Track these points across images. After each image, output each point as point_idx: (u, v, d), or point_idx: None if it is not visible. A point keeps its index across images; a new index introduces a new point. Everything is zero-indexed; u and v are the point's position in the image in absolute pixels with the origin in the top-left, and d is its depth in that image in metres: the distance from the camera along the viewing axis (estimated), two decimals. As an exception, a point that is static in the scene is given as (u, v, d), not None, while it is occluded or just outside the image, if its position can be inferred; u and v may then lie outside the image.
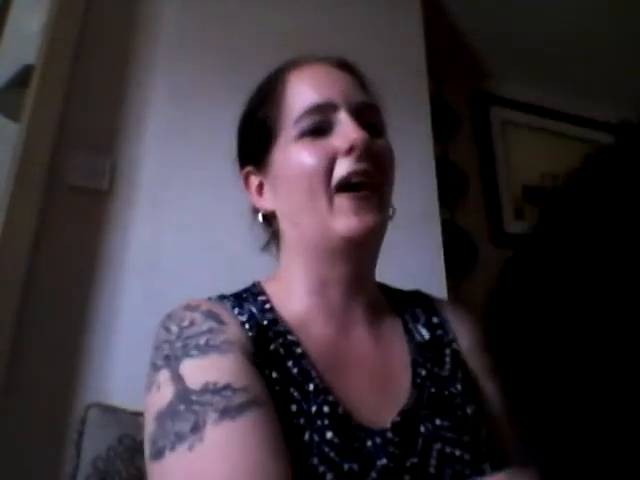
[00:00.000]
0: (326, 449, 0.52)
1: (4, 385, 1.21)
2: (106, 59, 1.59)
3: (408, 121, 1.84)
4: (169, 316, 0.62)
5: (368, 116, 0.65)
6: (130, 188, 1.49)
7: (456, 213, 2.41)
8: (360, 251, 0.63)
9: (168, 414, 0.50)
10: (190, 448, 0.47)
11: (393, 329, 0.67)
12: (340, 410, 0.56)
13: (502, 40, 2.57)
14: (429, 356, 0.65)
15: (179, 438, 0.48)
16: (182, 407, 0.50)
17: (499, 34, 2.54)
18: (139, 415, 0.85)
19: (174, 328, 0.58)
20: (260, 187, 0.71)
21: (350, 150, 0.60)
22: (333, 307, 0.65)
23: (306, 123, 0.62)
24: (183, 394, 0.51)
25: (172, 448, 0.48)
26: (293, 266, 0.68)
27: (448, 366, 0.65)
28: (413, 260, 1.64)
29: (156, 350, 0.58)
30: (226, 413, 0.48)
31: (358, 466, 0.52)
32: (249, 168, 0.72)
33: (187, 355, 0.54)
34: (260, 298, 0.67)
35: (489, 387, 0.65)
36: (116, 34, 1.63)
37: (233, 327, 0.59)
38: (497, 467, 0.56)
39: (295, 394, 0.56)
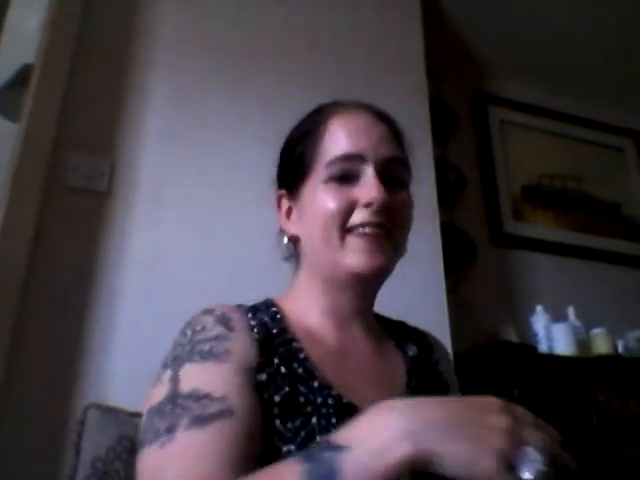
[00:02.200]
0: (332, 429, 0.58)
1: (3, 385, 1.21)
2: (105, 59, 1.59)
3: (407, 121, 1.83)
4: (189, 321, 0.67)
5: (394, 169, 0.72)
6: (129, 189, 1.49)
7: (455, 213, 2.41)
8: (365, 284, 0.72)
9: (157, 411, 0.56)
10: (162, 446, 0.53)
11: (389, 345, 0.77)
12: (345, 400, 0.63)
13: (501, 40, 2.58)
14: (420, 367, 0.75)
15: (156, 435, 0.54)
16: (168, 407, 0.56)
17: (498, 34, 2.54)
18: (138, 416, 0.85)
19: (189, 332, 0.64)
20: (289, 211, 0.78)
21: (368, 205, 0.68)
22: (341, 325, 0.73)
23: (335, 169, 0.70)
24: (172, 396, 0.57)
25: (150, 443, 0.54)
26: (310, 287, 0.75)
27: (434, 380, 0.76)
28: (412, 260, 1.63)
29: (171, 350, 0.64)
30: (197, 421, 0.54)
31: None
32: (282, 192, 0.79)
33: (189, 360, 0.60)
34: (272, 309, 0.73)
35: None
36: (115, 34, 1.63)
37: (240, 333, 0.64)
38: None
39: (302, 388, 0.63)
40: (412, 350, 0.77)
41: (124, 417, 0.85)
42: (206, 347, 0.61)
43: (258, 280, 1.45)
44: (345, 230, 0.68)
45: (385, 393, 0.67)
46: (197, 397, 0.56)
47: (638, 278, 2.67)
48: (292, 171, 0.76)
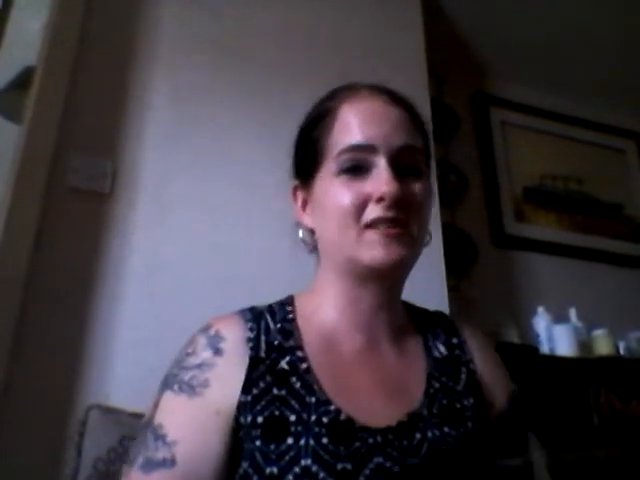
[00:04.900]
0: (321, 452, 0.57)
1: (4, 386, 1.21)
2: (107, 61, 1.60)
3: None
4: (189, 338, 0.68)
5: (408, 158, 0.68)
6: (131, 190, 1.49)
7: (456, 214, 2.41)
8: (385, 279, 0.68)
9: (138, 431, 0.63)
10: (125, 475, 0.59)
11: (413, 345, 0.72)
12: (342, 416, 0.60)
13: (502, 41, 2.58)
14: (445, 371, 0.70)
15: (130, 460, 0.60)
16: (141, 434, 0.62)
17: (499, 35, 2.54)
18: (139, 417, 0.86)
19: (182, 352, 0.66)
20: (305, 203, 0.75)
21: (380, 200, 0.64)
22: (360, 322, 0.70)
23: (345, 161, 0.66)
24: (147, 422, 0.62)
25: (128, 465, 0.60)
26: (326, 282, 0.72)
27: (463, 382, 0.70)
28: (413, 261, 1.63)
29: (170, 365, 0.67)
30: (145, 465, 0.58)
31: (352, 465, 0.56)
32: (297, 183, 0.76)
33: (171, 387, 0.63)
34: (287, 308, 0.71)
35: (503, 402, 0.72)
36: (116, 36, 1.63)
37: (227, 357, 0.64)
38: None
39: (296, 406, 0.60)
40: (438, 350, 0.72)
41: (125, 418, 0.85)
42: (187, 376, 0.63)
43: (260, 280, 1.46)
44: (360, 226, 0.65)
45: (397, 403, 0.64)
46: (156, 435, 0.60)
47: (640, 279, 2.67)
48: (304, 162, 0.73)
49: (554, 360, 2.08)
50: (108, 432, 0.82)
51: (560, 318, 2.28)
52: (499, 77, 2.80)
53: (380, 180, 0.64)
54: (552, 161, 2.77)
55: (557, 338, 2.19)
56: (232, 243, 1.52)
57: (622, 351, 2.29)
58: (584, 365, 2.05)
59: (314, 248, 0.75)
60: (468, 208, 2.48)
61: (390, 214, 0.64)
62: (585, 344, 2.23)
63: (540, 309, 2.28)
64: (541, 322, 2.25)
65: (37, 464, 1.18)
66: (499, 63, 2.72)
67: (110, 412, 0.86)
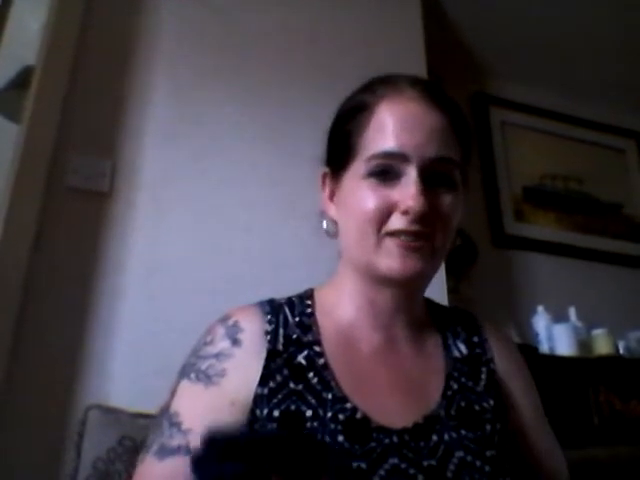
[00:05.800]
0: (335, 448, 0.56)
1: (4, 386, 1.21)
2: (106, 60, 1.60)
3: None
4: (208, 327, 0.68)
5: (441, 168, 0.66)
6: (130, 190, 1.49)
7: (456, 214, 2.41)
8: (402, 287, 0.67)
9: (155, 417, 0.63)
10: (141, 461, 0.60)
11: (432, 344, 0.71)
12: (359, 415, 0.60)
13: (502, 41, 2.57)
14: (465, 371, 0.69)
15: (146, 446, 0.60)
16: (157, 420, 0.62)
17: (499, 35, 2.54)
18: (139, 417, 0.86)
19: (200, 341, 0.66)
20: (332, 193, 0.74)
21: (405, 212, 0.63)
22: (378, 321, 0.69)
23: (375, 166, 0.65)
24: (164, 409, 0.62)
25: (144, 451, 0.60)
26: (345, 277, 0.72)
27: (483, 382, 0.69)
28: (413, 261, 1.63)
29: (189, 354, 0.67)
30: (159, 452, 0.58)
31: (366, 464, 0.56)
32: (327, 170, 0.75)
33: (187, 375, 0.64)
34: (306, 302, 0.71)
35: (525, 403, 0.72)
36: (116, 35, 1.63)
37: (245, 348, 0.64)
38: None
39: (313, 401, 0.61)
40: (459, 350, 0.71)
41: (125, 418, 0.85)
42: (204, 365, 0.63)
43: (260, 280, 1.46)
44: (381, 235, 0.64)
45: (413, 403, 0.63)
46: (171, 422, 0.60)
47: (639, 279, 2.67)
48: (336, 152, 0.72)
49: (554, 359, 2.07)
50: (107, 432, 0.82)
51: (560, 317, 2.28)
52: (499, 77, 2.79)
53: (408, 192, 0.62)
54: (552, 161, 2.77)
55: (557, 337, 2.19)
56: (232, 243, 1.52)
57: (622, 350, 2.29)
58: (584, 365, 2.05)
59: (337, 235, 0.74)
60: (467, 208, 2.48)
61: (414, 228, 0.63)
62: (585, 343, 2.23)
63: (540, 308, 2.28)
64: (541, 321, 2.25)
65: (37, 464, 1.18)
66: (499, 63, 2.71)
67: (109, 412, 0.86)
